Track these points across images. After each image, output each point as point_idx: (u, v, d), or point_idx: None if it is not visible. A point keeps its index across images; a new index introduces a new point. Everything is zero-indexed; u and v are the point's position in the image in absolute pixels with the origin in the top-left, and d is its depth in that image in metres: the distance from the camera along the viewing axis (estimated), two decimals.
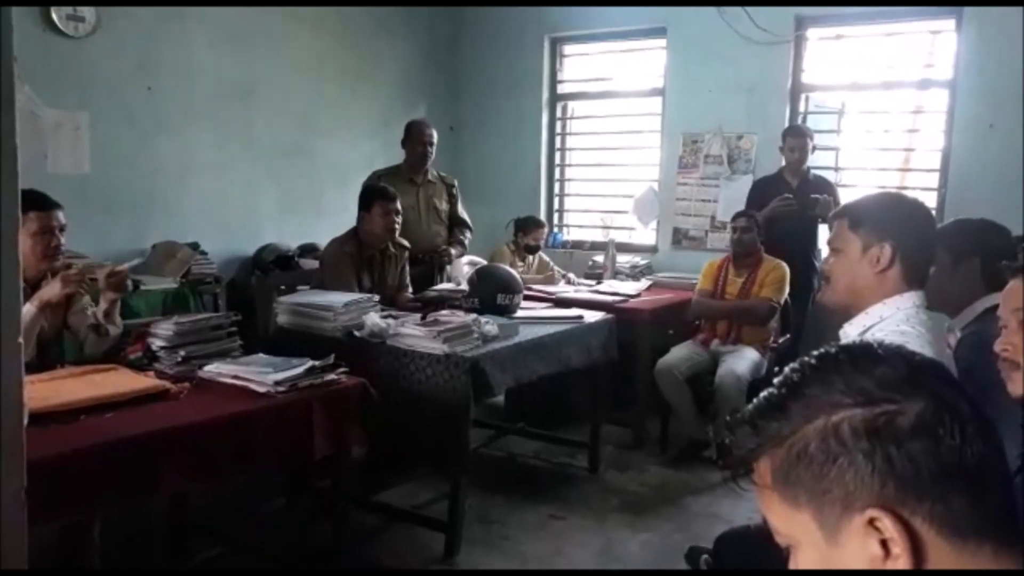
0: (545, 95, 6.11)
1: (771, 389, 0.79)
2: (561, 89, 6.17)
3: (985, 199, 3.91)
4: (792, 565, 0.78)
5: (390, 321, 3.22)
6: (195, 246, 4.46)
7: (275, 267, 4.75)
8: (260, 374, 2.44)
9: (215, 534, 3.17)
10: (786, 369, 0.80)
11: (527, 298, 3.90)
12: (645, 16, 5.51)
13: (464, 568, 3.01)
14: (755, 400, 0.80)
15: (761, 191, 4.73)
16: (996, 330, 1.49)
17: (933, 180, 4.81)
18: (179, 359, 2.58)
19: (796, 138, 4.65)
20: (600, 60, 6.09)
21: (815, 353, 0.79)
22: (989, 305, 1.99)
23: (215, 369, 2.53)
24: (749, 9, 5.06)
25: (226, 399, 2.34)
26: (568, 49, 6.14)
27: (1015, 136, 4.40)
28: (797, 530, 0.75)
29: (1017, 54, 4.38)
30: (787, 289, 4.19)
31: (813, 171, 4.74)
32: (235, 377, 2.46)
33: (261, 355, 2.70)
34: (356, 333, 3.19)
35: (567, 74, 6.19)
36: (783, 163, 4.79)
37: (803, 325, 4.60)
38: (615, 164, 6.08)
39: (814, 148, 4.70)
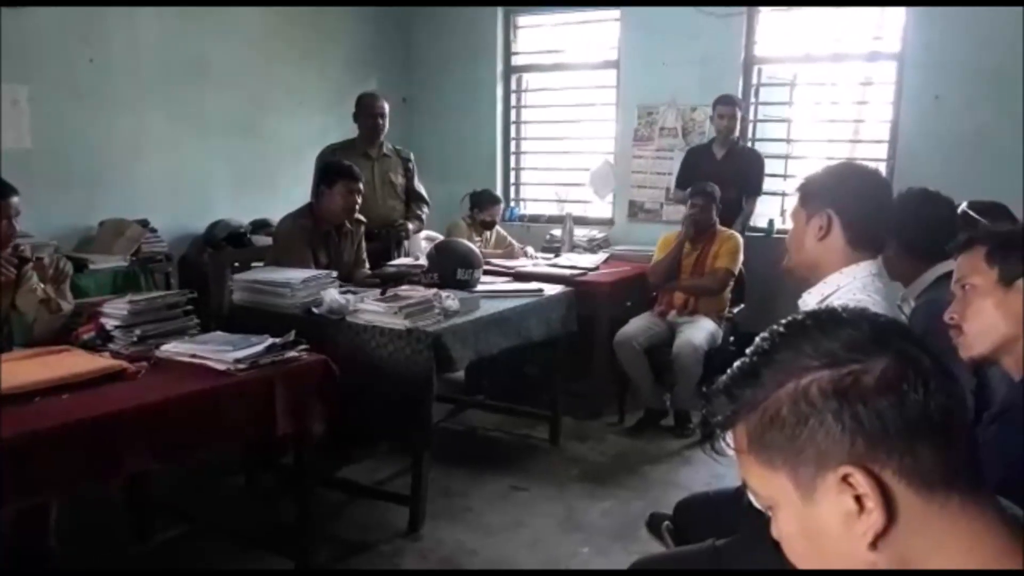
0: (499, 67, 6.07)
1: (743, 357, 0.81)
2: (515, 61, 6.13)
3: (932, 169, 4.02)
4: (773, 526, 0.80)
5: (349, 297, 3.20)
6: (144, 223, 4.36)
7: (227, 244, 4.66)
8: (219, 352, 2.41)
9: (177, 513, 3.14)
10: (756, 338, 0.82)
11: (486, 272, 3.89)
12: None
13: (429, 539, 3.03)
14: (729, 369, 0.82)
15: (691, 161, 4.79)
16: (949, 297, 1.54)
17: (882, 151, 4.91)
18: (135, 338, 2.53)
19: (726, 105, 4.70)
20: (554, 32, 6.07)
21: (783, 321, 0.81)
22: (940, 273, 2.05)
23: (173, 348, 2.48)
24: None
25: (186, 378, 2.31)
26: (522, 20, 6.11)
27: (960, 107, 4.52)
28: (775, 491, 0.77)
29: (962, 27, 4.48)
30: (741, 258, 4.25)
31: (758, 141, 4.78)
32: (194, 356, 2.42)
33: (219, 333, 2.67)
34: (315, 310, 3.16)
35: (521, 46, 6.15)
36: (714, 133, 4.84)
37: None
38: (571, 137, 6.09)
39: (743, 117, 4.75)
